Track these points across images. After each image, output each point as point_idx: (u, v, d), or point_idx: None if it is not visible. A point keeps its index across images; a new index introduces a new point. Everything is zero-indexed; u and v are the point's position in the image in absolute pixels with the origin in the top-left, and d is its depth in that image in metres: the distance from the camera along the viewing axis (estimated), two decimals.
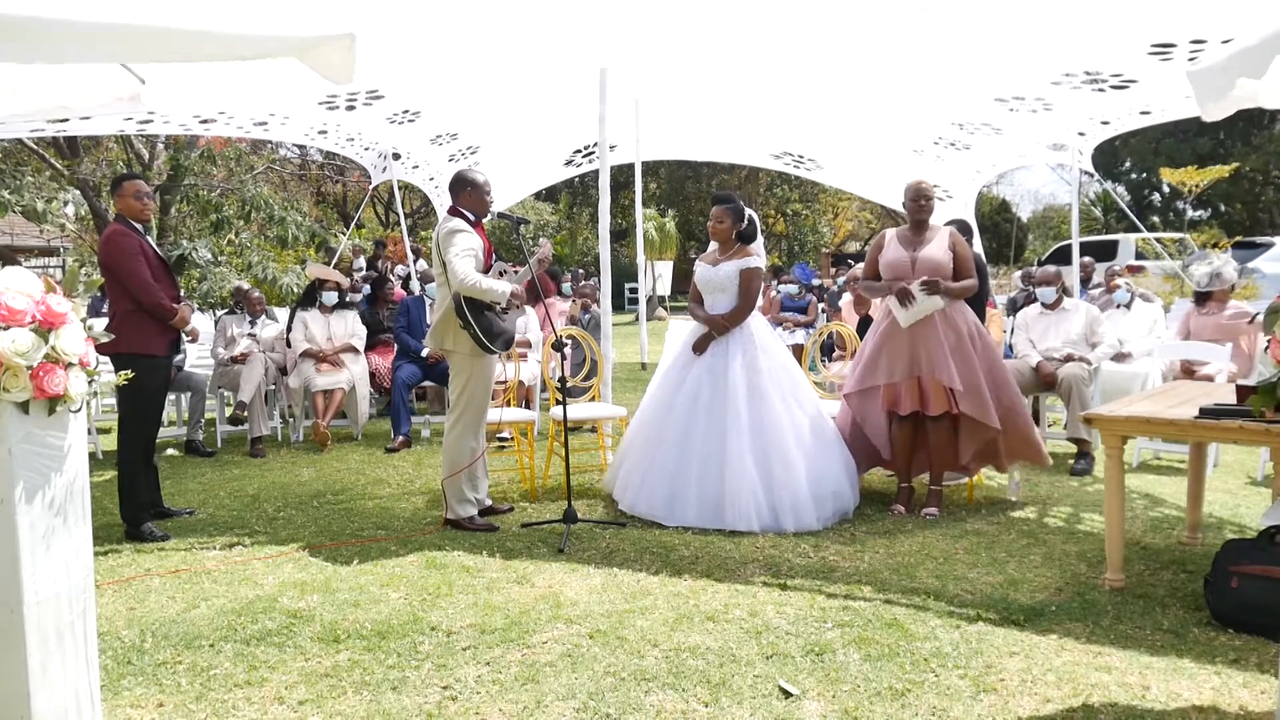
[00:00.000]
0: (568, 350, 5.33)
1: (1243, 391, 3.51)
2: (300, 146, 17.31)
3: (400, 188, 10.98)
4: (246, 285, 8.41)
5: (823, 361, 7.62)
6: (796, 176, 17.03)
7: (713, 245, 5.24)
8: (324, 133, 7.97)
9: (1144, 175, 28.05)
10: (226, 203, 11.66)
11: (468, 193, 4.77)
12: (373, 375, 7.66)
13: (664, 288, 25.18)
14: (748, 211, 5.15)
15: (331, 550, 4.47)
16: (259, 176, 14.94)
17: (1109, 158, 25.99)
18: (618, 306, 24.49)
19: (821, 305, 11.17)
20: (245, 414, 6.88)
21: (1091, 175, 8.92)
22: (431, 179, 9.57)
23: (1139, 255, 16.47)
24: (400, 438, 6.98)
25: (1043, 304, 6.50)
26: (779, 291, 11.15)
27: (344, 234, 12.89)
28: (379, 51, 5.12)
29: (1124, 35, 5.18)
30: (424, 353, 7.16)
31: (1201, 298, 6.60)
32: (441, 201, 9.43)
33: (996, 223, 31.19)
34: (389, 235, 18.41)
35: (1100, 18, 4.99)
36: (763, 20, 5.52)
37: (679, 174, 28.96)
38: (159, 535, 4.70)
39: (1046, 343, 6.35)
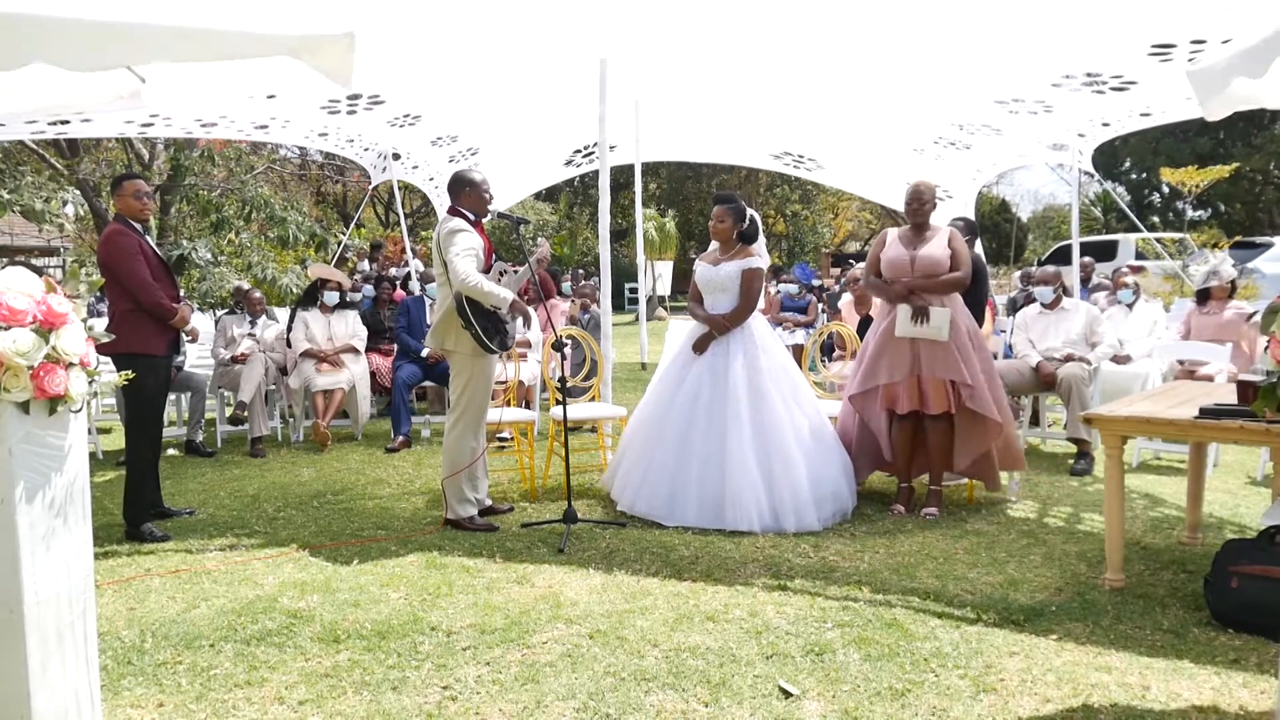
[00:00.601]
0: (568, 350, 5.33)
1: (1243, 387, 3.51)
2: (300, 147, 17.30)
3: (400, 188, 10.99)
4: (246, 285, 8.41)
5: (823, 361, 7.62)
6: (796, 177, 17.02)
7: (713, 245, 5.24)
8: (324, 135, 7.98)
9: (1144, 175, 28.05)
10: (226, 203, 11.66)
11: (467, 192, 4.77)
12: (373, 375, 7.67)
13: (664, 288, 25.18)
14: (749, 211, 5.15)
15: (331, 550, 4.47)
16: (259, 176, 14.94)
17: (1109, 158, 25.99)
18: (618, 306, 24.49)
19: (821, 305, 11.17)
20: (245, 414, 6.88)
21: (1091, 175, 8.92)
22: (431, 179, 9.57)
23: (1139, 255, 16.47)
24: (400, 438, 6.98)
25: (1041, 304, 6.50)
26: (779, 291, 11.15)
27: (344, 234, 12.89)
28: (379, 55, 5.12)
29: (1124, 36, 5.19)
30: (424, 353, 7.16)
31: (1202, 297, 6.60)
32: (441, 201, 9.43)
33: (996, 223, 31.19)
34: (387, 236, 18.41)
35: (1100, 18, 4.99)
36: (763, 19, 5.52)
37: (679, 174, 28.97)
38: (159, 535, 4.70)
39: (1046, 343, 6.35)
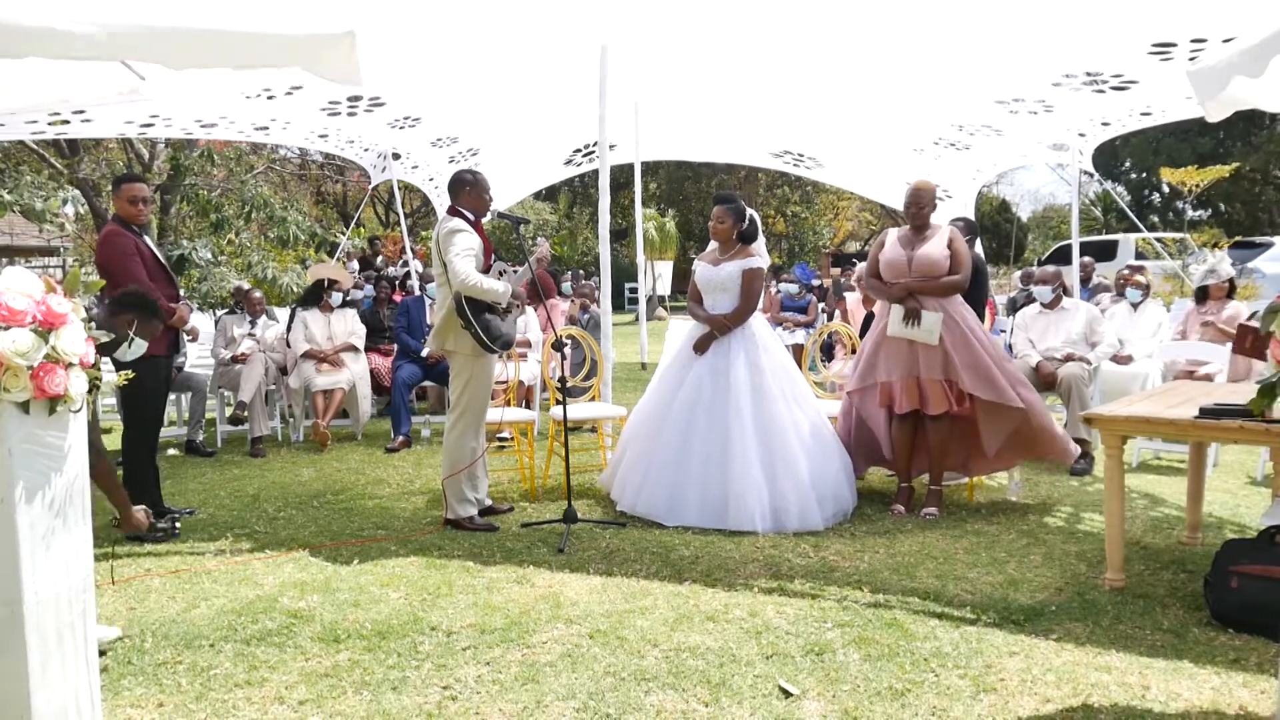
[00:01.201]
0: (568, 350, 5.33)
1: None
2: (301, 148, 17.31)
3: (400, 188, 10.99)
4: (246, 285, 8.41)
5: (823, 361, 7.62)
6: (796, 176, 17.00)
7: (713, 245, 5.23)
8: (324, 136, 7.98)
9: (1144, 175, 28.04)
10: (226, 203, 11.66)
11: (467, 192, 4.77)
12: (373, 375, 7.66)
13: (664, 288, 25.17)
14: (749, 211, 5.15)
15: (331, 550, 4.47)
16: (259, 176, 14.94)
17: (1109, 158, 25.98)
18: (618, 306, 24.49)
19: (822, 305, 11.17)
20: (245, 414, 6.88)
21: (1091, 175, 8.92)
22: (431, 179, 9.58)
23: (1139, 255, 16.46)
24: (400, 438, 6.98)
25: (1041, 303, 6.50)
26: (779, 291, 11.15)
27: (344, 234, 12.89)
28: (380, 56, 5.12)
29: (1124, 35, 5.19)
30: (424, 353, 7.16)
31: (1200, 296, 6.60)
32: (441, 201, 9.44)
33: (997, 223, 31.17)
34: (386, 235, 18.41)
35: (1100, 17, 4.99)
36: (764, 16, 5.52)
37: (679, 174, 28.96)
38: (159, 535, 4.70)
39: (1046, 343, 6.35)
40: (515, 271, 4.85)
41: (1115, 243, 17.78)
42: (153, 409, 4.92)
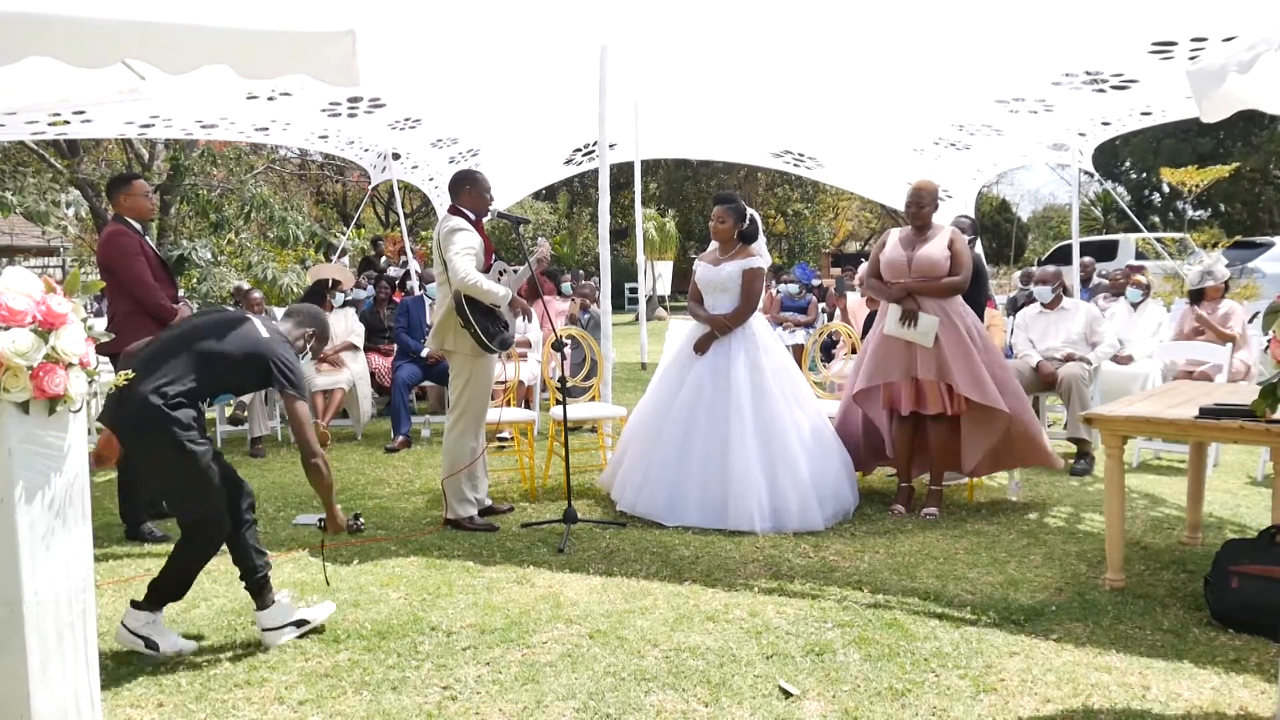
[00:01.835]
0: (567, 350, 5.33)
1: None
2: (301, 148, 17.31)
3: (400, 187, 10.99)
4: (246, 285, 8.40)
5: (823, 361, 7.62)
6: (796, 176, 16.98)
7: (713, 245, 5.23)
8: (324, 137, 7.98)
9: (1144, 175, 28.03)
10: (226, 203, 11.65)
11: (467, 191, 4.77)
12: (373, 375, 7.66)
13: (664, 288, 25.15)
14: (749, 211, 5.15)
15: (331, 550, 4.46)
16: (259, 176, 14.94)
17: (1109, 158, 25.97)
18: (618, 306, 24.48)
19: (822, 305, 11.17)
20: (245, 414, 6.87)
21: (1091, 175, 8.92)
22: (431, 179, 9.57)
23: (1139, 255, 16.46)
24: (400, 438, 6.98)
25: (1041, 303, 6.50)
26: (779, 291, 11.15)
27: (344, 234, 12.87)
28: (380, 57, 5.12)
29: (1124, 34, 5.18)
30: (424, 353, 7.16)
31: (1196, 297, 6.60)
32: (441, 201, 9.43)
33: (997, 223, 31.16)
34: (387, 235, 18.42)
35: (1101, 16, 4.99)
36: (764, 14, 5.51)
37: (678, 174, 28.96)
38: (159, 535, 4.70)
39: (1046, 343, 6.35)
40: (515, 271, 4.85)
41: (1115, 243, 17.77)
42: None
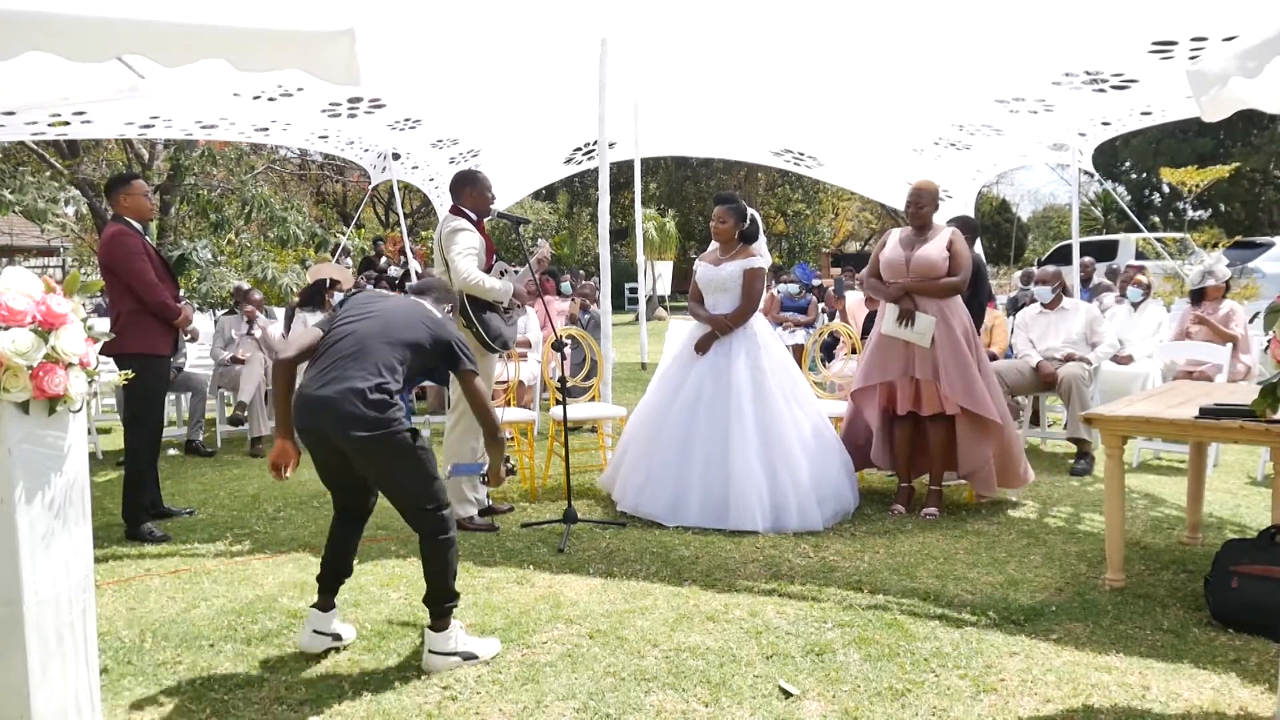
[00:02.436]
0: (568, 350, 5.33)
1: None
2: (301, 148, 17.31)
3: (400, 187, 10.99)
4: (246, 285, 8.41)
5: (823, 361, 7.62)
6: (797, 176, 16.97)
7: (714, 245, 5.23)
8: (324, 137, 7.98)
9: (1144, 175, 28.03)
10: (226, 203, 11.65)
11: (468, 192, 4.77)
12: None
13: (664, 288, 25.16)
14: (750, 211, 5.15)
15: None
16: (259, 176, 14.93)
17: (1109, 158, 25.97)
18: (618, 306, 24.48)
19: (821, 305, 11.17)
20: (245, 414, 6.87)
21: (1091, 175, 8.92)
22: (431, 179, 9.57)
23: (1139, 255, 16.45)
24: None
25: (1041, 304, 6.50)
26: (779, 291, 11.15)
27: (344, 234, 12.88)
28: (380, 57, 5.12)
29: (1125, 33, 5.18)
30: None
31: (1196, 297, 6.60)
32: (442, 201, 9.43)
33: (997, 223, 31.17)
34: (388, 235, 18.42)
35: (1101, 16, 4.99)
36: (764, 15, 5.51)
37: (679, 174, 28.97)
38: (159, 535, 4.70)
39: (1046, 343, 6.35)
40: (516, 272, 4.86)
41: (1115, 243, 17.77)
42: (155, 409, 4.92)
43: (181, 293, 5.86)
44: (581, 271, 14.82)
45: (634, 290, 24.83)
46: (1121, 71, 5.84)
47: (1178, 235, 17.50)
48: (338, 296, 7.53)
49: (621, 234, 27.19)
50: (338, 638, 3.25)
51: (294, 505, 5.33)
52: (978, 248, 6.06)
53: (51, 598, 2.36)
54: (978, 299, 5.61)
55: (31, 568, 2.30)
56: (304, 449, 3.15)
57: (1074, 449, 6.15)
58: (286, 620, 3.52)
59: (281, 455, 3.14)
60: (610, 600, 3.72)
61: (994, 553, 4.30)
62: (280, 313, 8.53)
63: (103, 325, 2.56)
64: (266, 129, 7.20)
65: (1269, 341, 3.15)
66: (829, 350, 8.59)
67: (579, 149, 9.91)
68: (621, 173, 12.64)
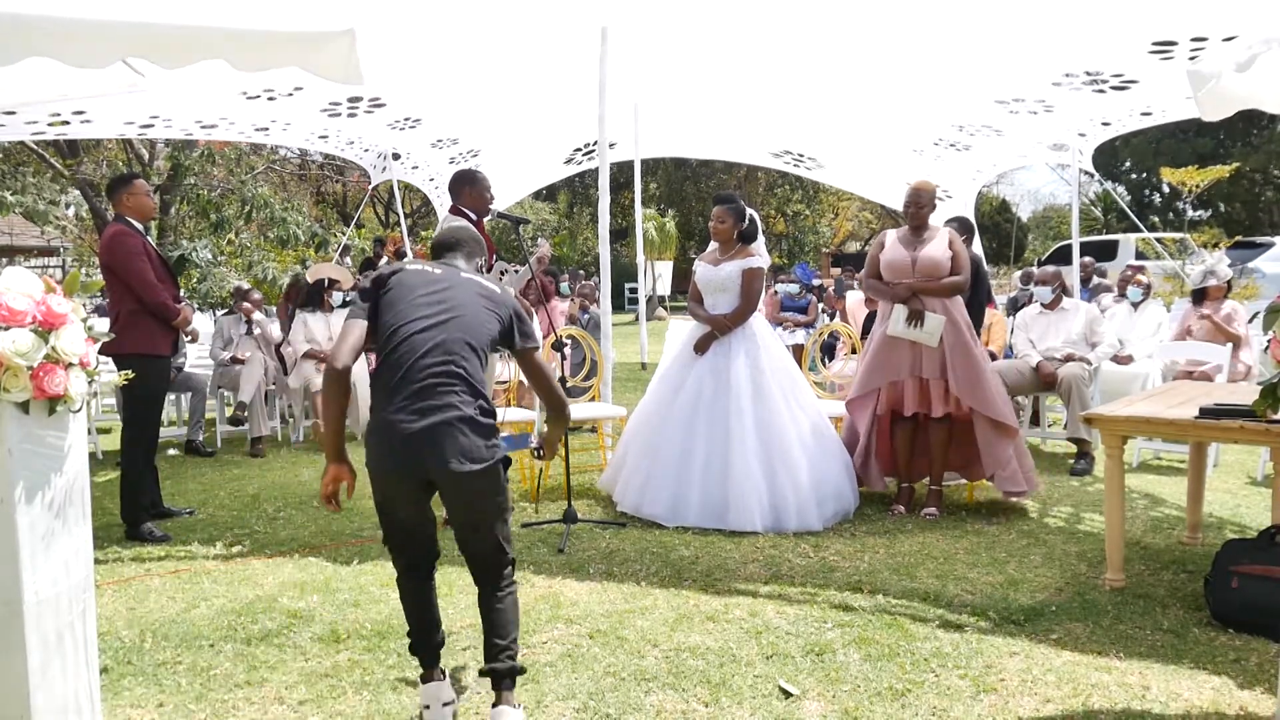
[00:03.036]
0: (567, 350, 5.33)
1: None
2: (301, 148, 17.31)
3: (400, 188, 10.99)
4: (246, 285, 8.41)
5: (823, 361, 7.62)
6: (796, 177, 16.96)
7: (713, 245, 5.23)
8: (324, 137, 7.98)
9: (1144, 175, 28.04)
10: (226, 203, 11.65)
11: (468, 191, 4.78)
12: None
13: (664, 288, 25.17)
14: (749, 211, 5.15)
15: (331, 550, 4.46)
16: (259, 176, 14.93)
17: (1109, 158, 25.97)
18: (618, 306, 24.48)
19: (821, 305, 11.17)
20: (245, 414, 6.87)
21: (1091, 175, 8.92)
22: (431, 179, 9.57)
23: (1139, 255, 16.46)
24: None
25: (1041, 304, 6.50)
26: (778, 292, 11.14)
27: (344, 234, 12.88)
28: (380, 56, 5.11)
29: (1125, 33, 5.18)
30: None
31: (1198, 297, 6.60)
32: (442, 201, 9.43)
33: (997, 223, 31.16)
34: (389, 235, 18.42)
35: (1101, 16, 4.99)
36: (764, 16, 5.51)
37: (678, 174, 28.97)
38: (159, 535, 4.71)
39: (1046, 343, 6.35)
40: (516, 272, 4.86)
41: (1115, 243, 17.77)
42: (154, 409, 4.93)
43: (182, 293, 5.86)
44: (581, 271, 14.82)
45: (634, 290, 24.83)
46: (1121, 72, 5.84)
47: (1178, 235, 17.51)
48: (337, 297, 7.52)
49: (621, 234, 27.19)
50: (462, 690, 2.95)
51: (294, 505, 5.33)
52: (977, 248, 6.07)
53: (51, 598, 2.36)
54: (977, 299, 5.61)
55: (31, 568, 2.30)
56: (382, 483, 2.67)
57: (1074, 449, 6.15)
58: (286, 620, 3.52)
59: (337, 480, 2.67)
60: (610, 600, 3.72)
61: (994, 553, 4.30)
62: (272, 309, 8.52)
63: (103, 325, 2.55)
64: (266, 129, 7.20)
65: (1269, 341, 3.15)
66: (829, 350, 8.60)
67: (579, 149, 9.91)
68: (621, 173, 12.63)
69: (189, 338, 6.75)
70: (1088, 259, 10.32)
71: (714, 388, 4.87)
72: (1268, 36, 2.82)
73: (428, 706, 2.70)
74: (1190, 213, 24.61)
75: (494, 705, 2.65)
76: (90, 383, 2.47)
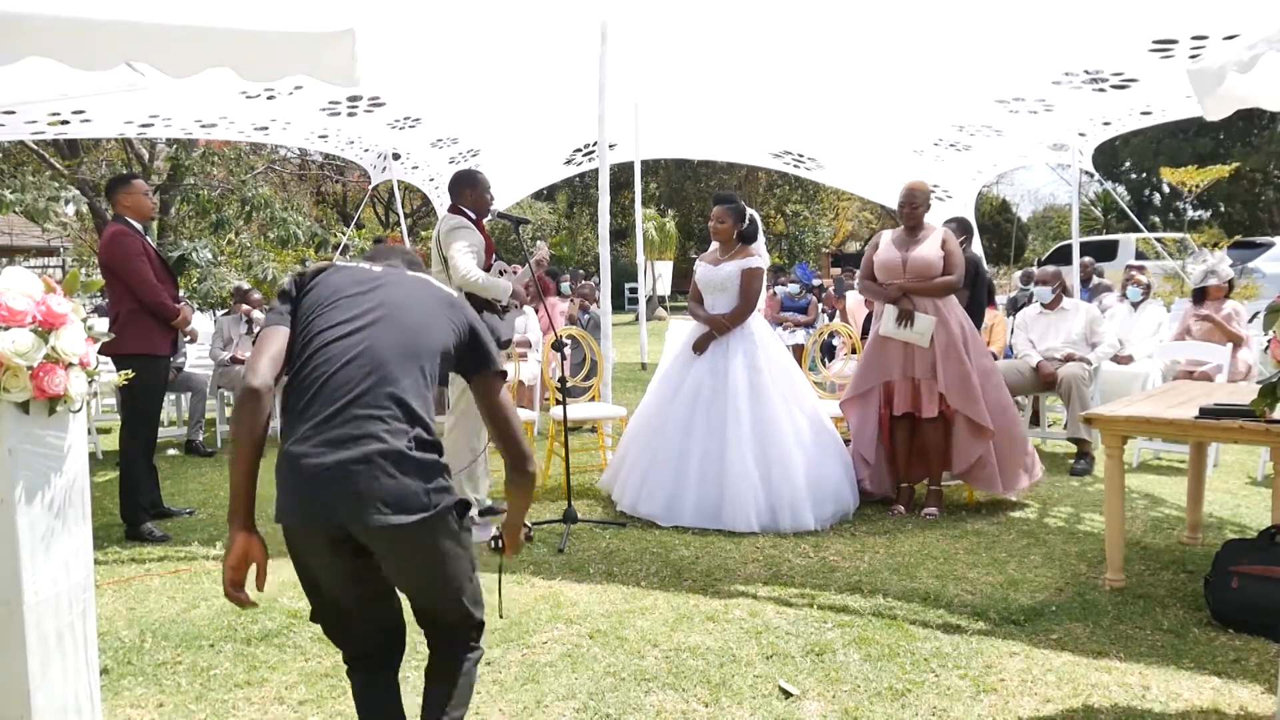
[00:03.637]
0: (567, 350, 5.33)
1: None
2: (301, 148, 17.32)
3: (400, 188, 10.99)
4: (246, 285, 8.40)
5: (823, 361, 7.62)
6: (796, 177, 16.96)
7: (713, 245, 5.24)
8: (324, 137, 7.98)
9: (1144, 175, 28.04)
10: (226, 203, 11.66)
11: (468, 192, 4.78)
12: None
13: (664, 288, 25.18)
14: (749, 211, 5.15)
15: None
16: (259, 176, 14.94)
17: (1109, 158, 25.97)
18: (618, 306, 24.48)
19: (821, 305, 11.17)
20: None
21: (1091, 175, 8.91)
22: (431, 179, 9.57)
23: (1139, 255, 16.46)
24: None
25: (1041, 304, 6.50)
26: (777, 292, 11.15)
27: (344, 234, 12.88)
28: (379, 56, 5.11)
29: (1125, 32, 5.18)
30: None
31: (1199, 297, 6.60)
32: (441, 201, 9.43)
33: (997, 223, 31.16)
34: (389, 235, 18.42)
35: (1101, 15, 4.99)
36: (764, 17, 5.50)
37: (679, 174, 28.98)
38: (159, 535, 4.71)
39: (1046, 343, 6.35)
40: (515, 273, 4.86)
41: (1115, 243, 17.77)
42: (154, 409, 4.93)
43: (181, 293, 5.86)
44: (581, 271, 14.81)
45: (634, 290, 24.84)
46: (1121, 71, 5.84)
47: (1178, 235, 17.51)
48: None
49: (621, 234, 27.19)
50: None
51: None
52: (977, 248, 6.06)
53: (51, 598, 2.36)
54: (977, 299, 5.61)
55: (31, 568, 2.30)
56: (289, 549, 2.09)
57: (1074, 449, 6.15)
58: (286, 620, 3.52)
59: (245, 559, 2.06)
60: (610, 600, 3.71)
61: (994, 553, 4.30)
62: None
63: (102, 325, 2.55)
64: (266, 128, 7.20)
65: (1269, 341, 3.15)
66: (829, 350, 8.60)
67: (579, 149, 9.91)
68: (621, 173, 12.63)
69: (188, 338, 6.77)
70: (1088, 259, 10.31)
71: (712, 388, 4.88)
72: (1269, 35, 2.82)
73: None
74: (1190, 213, 24.63)
75: None
76: (90, 383, 2.47)
